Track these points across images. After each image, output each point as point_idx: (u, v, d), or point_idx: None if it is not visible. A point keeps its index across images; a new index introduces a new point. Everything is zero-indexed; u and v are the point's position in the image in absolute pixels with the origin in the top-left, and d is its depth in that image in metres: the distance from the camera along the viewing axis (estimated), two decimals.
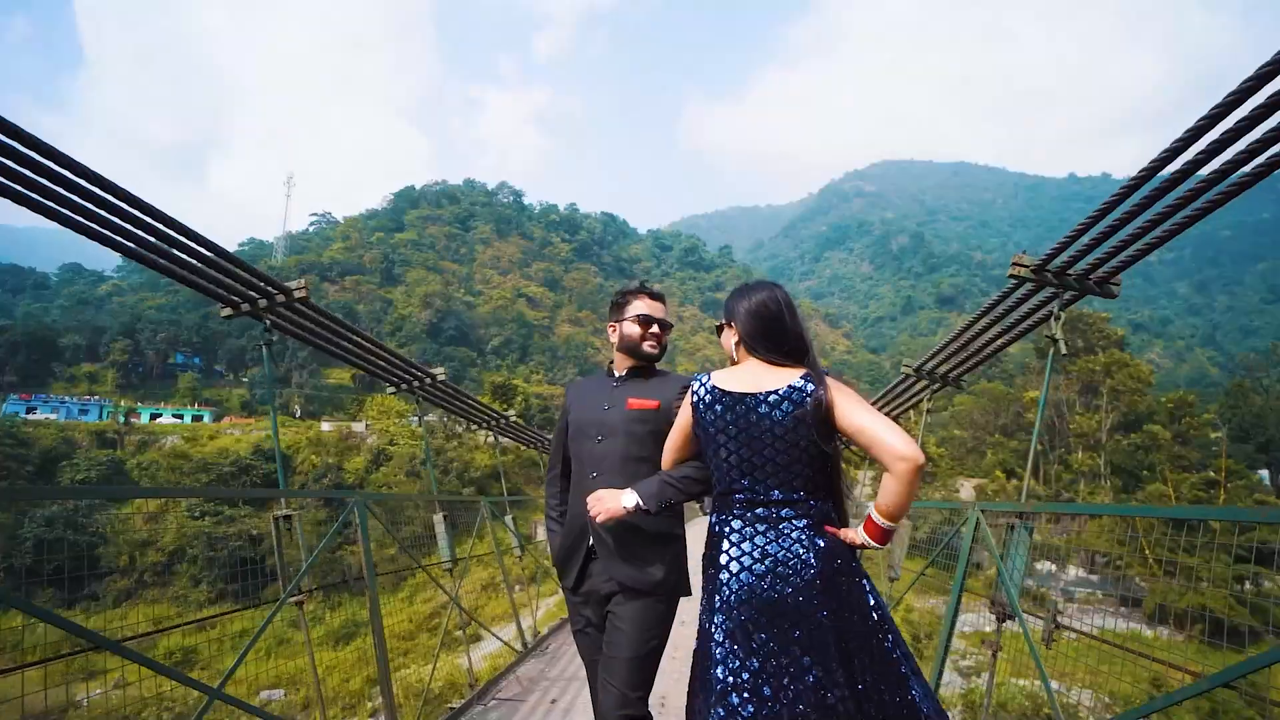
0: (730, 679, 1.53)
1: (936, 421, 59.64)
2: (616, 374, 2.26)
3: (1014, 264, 2.88)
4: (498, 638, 5.14)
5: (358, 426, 51.55)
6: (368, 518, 3.12)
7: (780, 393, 1.67)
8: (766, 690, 1.49)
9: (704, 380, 1.78)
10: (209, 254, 2.45)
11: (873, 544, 1.65)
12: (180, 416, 55.72)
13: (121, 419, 47.36)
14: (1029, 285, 2.93)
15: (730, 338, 1.84)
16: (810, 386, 1.67)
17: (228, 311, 2.76)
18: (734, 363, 1.84)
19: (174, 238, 2.39)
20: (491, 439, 50.46)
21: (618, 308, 2.29)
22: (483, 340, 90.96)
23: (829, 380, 1.69)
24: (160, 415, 54.74)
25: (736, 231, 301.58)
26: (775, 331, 1.74)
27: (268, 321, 2.77)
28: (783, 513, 1.65)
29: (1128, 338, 62.17)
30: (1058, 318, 2.98)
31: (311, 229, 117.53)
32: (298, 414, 60.32)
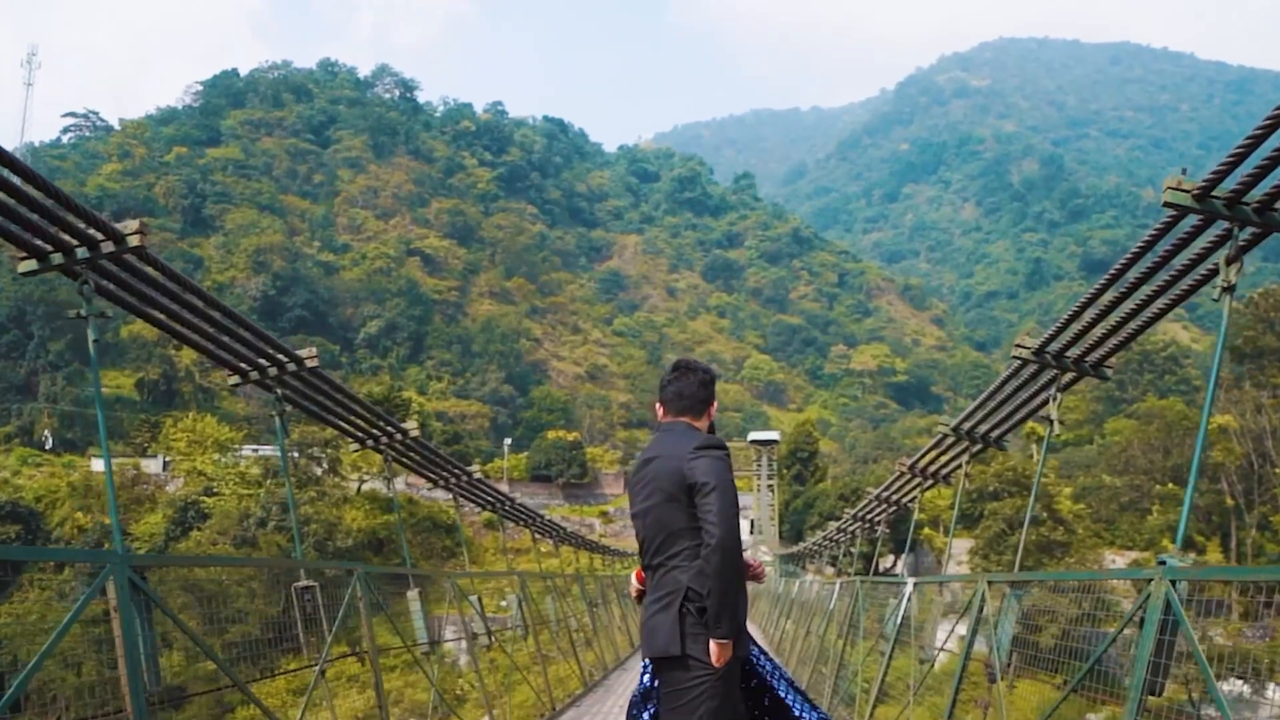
0: None
1: (1076, 461, 61.96)
2: None
3: (1016, 345, 4.61)
4: None
5: (151, 465, 52.52)
6: (357, 593, 4.62)
7: None
8: None
9: None
10: (217, 315, 3.90)
11: None
12: None
13: None
14: (1033, 366, 4.65)
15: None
16: None
17: (235, 379, 4.21)
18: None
19: (179, 294, 3.89)
20: (377, 487, 51.42)
21: (713, 389, 3.67)
22: (350, 324, 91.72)
23: None
24: None
25: (762, 150, 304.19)
26: None
27: (279, 393, 4.20)
28: None
29: None
30: (1055, 399, 4.66)
31: (68, 139, 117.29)
32: (49, 444, 60.93)
